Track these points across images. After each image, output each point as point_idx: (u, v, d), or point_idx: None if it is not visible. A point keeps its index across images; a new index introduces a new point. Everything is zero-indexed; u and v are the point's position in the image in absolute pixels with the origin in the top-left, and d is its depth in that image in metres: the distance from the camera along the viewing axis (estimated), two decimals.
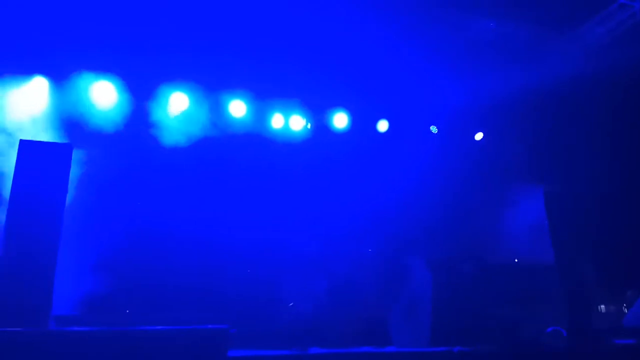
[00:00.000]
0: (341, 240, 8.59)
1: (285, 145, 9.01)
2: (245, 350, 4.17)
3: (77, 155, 5.69)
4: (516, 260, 8.10)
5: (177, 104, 8.35)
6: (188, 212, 8.13)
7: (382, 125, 9.54)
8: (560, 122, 9.26)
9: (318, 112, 9.30)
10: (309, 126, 9.28)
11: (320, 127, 9.32)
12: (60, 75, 7.62)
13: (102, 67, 7.77)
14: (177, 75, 8.18)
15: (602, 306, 8.00)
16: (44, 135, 7.06)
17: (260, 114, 8.94)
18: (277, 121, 9.02)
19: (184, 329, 3.82)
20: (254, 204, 8.51)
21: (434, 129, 9.77)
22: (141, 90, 8.14)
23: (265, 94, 8.81)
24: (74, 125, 7.52)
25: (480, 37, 8.25)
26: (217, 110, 8.65)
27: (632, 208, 8.47)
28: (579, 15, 8.08)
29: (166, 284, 7.50)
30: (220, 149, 8.58)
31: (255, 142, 8.84)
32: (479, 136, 10.02)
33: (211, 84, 8.48)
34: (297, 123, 9.14)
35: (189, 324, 4.08)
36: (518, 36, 8.30)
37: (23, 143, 5.31)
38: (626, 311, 7.70)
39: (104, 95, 7.88)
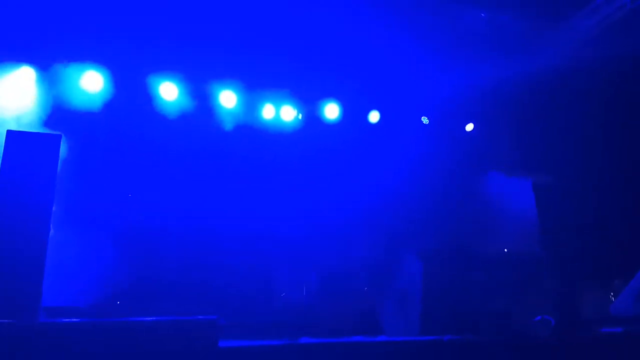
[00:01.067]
0: (332, 231, 8.61)
1: (276, 136, 8.99)
2: (237, 341, 4.18)
3: (66, 145, 5.64)
4: (505, 250, 8.17)
5: (166, 94, 8.29)
6: (178, 204, 8.11)
7: (374, 116, 9.54)
8: (550, 114, 9.32)
9: (309, 103, 9.28)
10: (300, 117, 9.26)
11: (312, 118, 9.31)
12: (48, 64, 7.53)
13: (91, 57, 7.69)
14: (167, 66, 8.11)
15: (590, 295, 8.10)
16: (32, 125, 6.99)
17: (251, 105, 8.91)
18: (268, 112, 8.99)
19: (174, 319, 3.81)
20: (245, 195, 8.50)
21: (425, 120, 9.79)
22: (131, 81, 8.07)
23: (256, 85, 8.77)
24: (62, 115, 7.44)
25: (471, 28, 8.25)
26: (208, 100, 8.61)
27: (620, 198, 8.56)
28: (568, 7, 8.10)
29: (157, 275, 7.50)
30: (211, 139, 8.55)
31: (246, 132, 8.82)
32: (469, 127, 10.06)
33: (201, 75, 8.43)
34: (288, 114, 9.12)
35: (179, 315, 4.07)
36: (508, 27, 8.31)
37: (10, 133, 5.24)
38: (613, 300, 7.79)
39: (93, 85, 7.80)
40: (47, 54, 7.45)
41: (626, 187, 8.52)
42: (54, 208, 5.19)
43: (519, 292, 5.86)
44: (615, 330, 5.46)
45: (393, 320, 6.00)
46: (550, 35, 8.53)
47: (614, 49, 7.97)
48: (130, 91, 8.08)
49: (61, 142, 5.33)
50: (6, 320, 3.76)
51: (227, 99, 8.65)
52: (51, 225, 5.12)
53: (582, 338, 5.22)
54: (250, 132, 8.85)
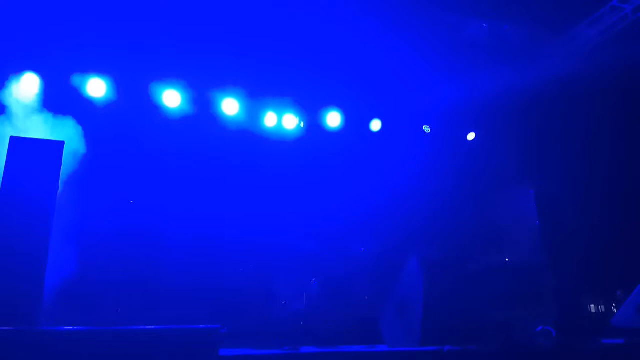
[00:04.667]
0: (334, 239, 8.60)
1: (278, 144, 9.00)
2: (237, 349, 4.18)
3: (68, 152, 5.66)
4: (507, 260, 8.14)
5: (169, 102, 8.33)
6: (181, 211, 8.11)
7: (375, 125, 9.56)
8: (551, 123, 9.32)
9: (311, 111, 9.30)
10: (302, 125, 9.28)
11: (314, 126, 9.32)
12: (52, 71, 7.57)
13: (95, 65, 7.73)
14: (171, 73, 8.15)
15: (592, 306, 8.07)
16: (35, 131, 7.01)
17: (253, 113, 8.93)
18: (270, 120, 9.01)
19: (176, 328, 3.81)
20: (247, 202, 8.50)
21: (426, 129, 9.80)
22: (134, 88, 8.10)
23: (258, 93, 8.80)
24: (65, 121, 7.47)
25: (473, 37, 8.29)
26: (210, 108, 8.63)
27: (623, 208, 8.54)
28: (571, 17, 8.14)
29: (159, 282, 7.49)
30: (213, 147, 8.56)
31: (248, 140, 8.83)
32: (471, 136, 10.07)
33: (204, 82, 8.46)
34: (290, 122, 9.14)
35: (181, 322, 4.07)
36: (511, 37, 8.35)
37: (13, 140, 5.27)
38: (615, 311, 7.76)
39: (96, 92, 7.83)
40: (52, 61, 7.49)
41: (629, 196, 8.50)
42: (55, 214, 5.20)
43: (520, 303, 5.84)
44: (617, 341, 5.44)
45: (394, 330, 5.97)
46: (553, 45, 8.56)
47: (616, 58, 8.00)
48: (133, 98, 8.11)
49: (63, 149, 5.35)
50: (7, 328, 3.76)
51: (230, 106, 8.68)
52: (53, 231, 5.13)
53: (583, 349, 5.20)
54: (252, 140, 8.87)
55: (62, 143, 5.40)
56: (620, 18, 7.77)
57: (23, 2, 6.96)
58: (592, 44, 8.34)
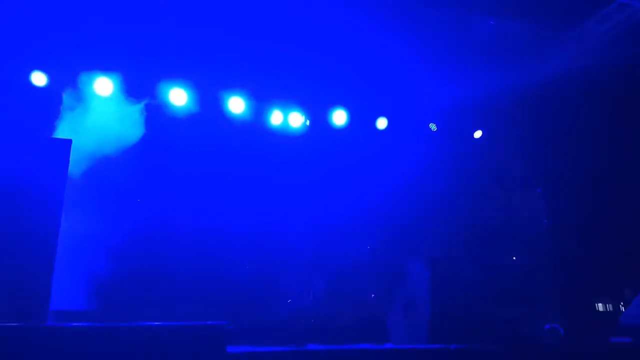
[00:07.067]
0: (339, 237, 8.61)
1: (283, 142, 9.02)
2: (245, 347, 4.19)
3: (76, 150, 5.68)
4: (514, 258, 8.12)
5: (176, 100, 8.35)
6: (187, 209, 8.13)
7: (381, 123, 9.54)
8: (559, 121, 9.28)
9: (317, 109, 9.30)
10: (307, 123, 9.28)
11: (319, 124, 9.32)
12: (59, 70, 7.61)
13: (102, 64, 7.76)
14: (177, 72, 8.18)
15: (600, 304, 8.03)
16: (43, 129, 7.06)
17: (259, 111, 8.94)
18: (276, 118, 9.02)
19: (182, 325, 3.82)
20: (253, 200, 8.52)
21: (433, 127, 9.78)
22: (141, 87, 8.13)
23: (264, 91, 8.81)
24: (73, 120, 7.51)
25: (480, 34, 8.25)
26: (216, 106, 8.65)
27: (630, 206, 8.50)
28: (578, 14, 8.08)
29: (165, 280, 7.52)
30: (219, 145, 8.58)
31: (253, 138, 8.85)
32: (478, 134, 10.03)
33: (211, 81, 8.48)
34: (296, 120, 9.14)
35: (187, 320, 4.08)
36: (517, 34, 8.30)
37: (21, 137, 5.29)
38: (623, 309, 7.72)
39: (103, 91, 7.87)
40: (59, 59, 7.53)
41: (638, 195, 8.45)
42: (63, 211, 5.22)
43: (527, 301, 5.82)
44: (625, 340, 5.41)
45: (400, 328, 5.96)
46: (560, 42, 8.51)
47: (625, 56, 7.94)
48: (139, 97, 8.14)
49: (71, 147, 5.37)
50: (14, 324, 3.79)
51: (236, 105, 8.69)
52: (60, 229, 5.14)
53: (591, 347, 5.18)
54: (258, 138, 8.88)
55: (70, 141, 5.42)
56: (628, 15, 7.71)
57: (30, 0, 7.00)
58: (599, 41, 8.29)
